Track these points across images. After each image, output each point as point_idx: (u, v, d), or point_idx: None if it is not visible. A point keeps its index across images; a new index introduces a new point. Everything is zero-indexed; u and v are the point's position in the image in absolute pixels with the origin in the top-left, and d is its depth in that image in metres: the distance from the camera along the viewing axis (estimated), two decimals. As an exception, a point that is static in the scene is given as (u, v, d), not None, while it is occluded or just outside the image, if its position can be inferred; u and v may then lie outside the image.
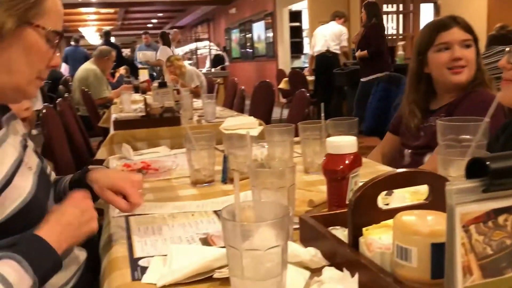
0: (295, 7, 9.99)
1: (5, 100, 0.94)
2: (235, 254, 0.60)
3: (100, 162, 2.19)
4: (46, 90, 8.55)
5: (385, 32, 5.96)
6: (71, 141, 2.64)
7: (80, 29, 17.36)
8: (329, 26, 6.72)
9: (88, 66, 4.97)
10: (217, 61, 10.06)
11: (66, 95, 4.45)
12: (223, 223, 0.61)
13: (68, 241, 0.84)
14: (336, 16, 6.72)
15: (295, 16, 10.10)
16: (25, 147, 0.96)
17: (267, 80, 3.88)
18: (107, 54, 5.08)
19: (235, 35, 13.47)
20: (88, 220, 0.88)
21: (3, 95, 0.89)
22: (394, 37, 8.51)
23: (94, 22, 17.48)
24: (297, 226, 0.89)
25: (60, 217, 0.85)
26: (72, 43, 9.45)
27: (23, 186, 0.85)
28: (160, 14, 17.35)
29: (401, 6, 8.62)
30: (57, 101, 3.01)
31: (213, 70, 9.32)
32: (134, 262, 0.83)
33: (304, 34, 10.36)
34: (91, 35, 18.33)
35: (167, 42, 7.79)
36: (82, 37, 20.09)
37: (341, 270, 0.68)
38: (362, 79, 5.34)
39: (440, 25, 1.57)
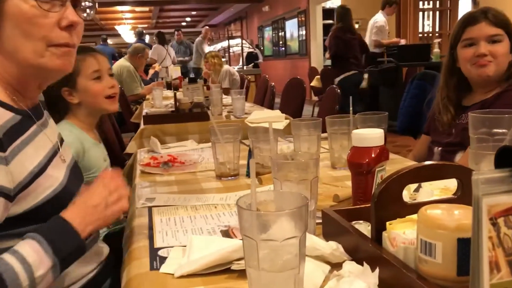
0: (329, 4, 9.88)
1: (41, 80, 0.89)
2: (251, 244, 0.58)
3: (130, 155, 2.21)
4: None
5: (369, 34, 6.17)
6: (103, 135, 2.68)
7: (116, 27, 17.72)
8: (374, 17, 6.49)
9: (122, 62, 5.05)
10: (250, 58, 10.06)
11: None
12: (239, 212, 0.59)
13: (94, 223, 0.82)
14: (386, 3, 6.34)
15: (329, 13, 9.98)
16: (62, 140, 0.97)
17: (298, 77, 3.85)
18: (141, 51, 5.16)
19: (268, 33, 13.45)
20: (116, 200, 0.86)
21: (33, 75, 0.86)
22: (430, 34, 8.30)
23: (129, 21, 17.79)
24: (320, 221, 0.87)
25: (87, 199, 0.84)
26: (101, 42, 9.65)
27: (56, 176, 0.85)
28: (194, 13, 17.51)
29: (437, 2, 8.39)
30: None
31: (245, 68, 9.33)
32: (153, 252, 0.83)
33: (337, 31, 10.22)
34: (126, 33, 18.67)
35: (162, 41, 7.92)
36: (112, 35, 20.50)
37: (362, 265, 0.65)
38: (335, 80, 5.53)
39: (468, 20, 1.51)
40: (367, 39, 6.38)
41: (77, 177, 0.99)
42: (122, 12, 15.76)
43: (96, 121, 1.61)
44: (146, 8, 15.51)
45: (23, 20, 0.80)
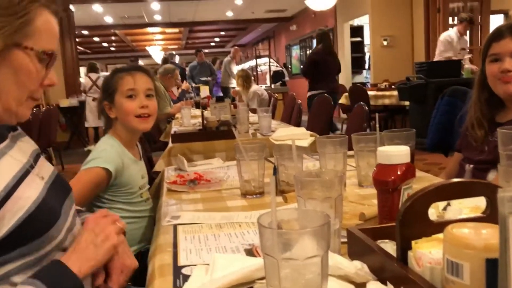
0: (356, 22, 9.88)
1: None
2: (272, 263, 0.58)
3: (158, 174, 2.24)
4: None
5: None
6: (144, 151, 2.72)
7: (147, 48, 18.15)
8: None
9: (152, 82, 5.16)
10: (277, 76, 10.12)
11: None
12: (260, 230, 0.59)
13: (89, 264, 0.85)
14: (459, 21, 6.34)
15: (357, 31, 9.99)
16: (38, 156, 0.95)
17: (326, 94, 3.84)
18: (171, 72, 5.27)
19: (295, 51, 13.52)
20: (104, 240, 0.89)
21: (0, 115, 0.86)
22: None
23: (159, 42, 18.20)
24: (345, 240, 0.85)
25: (76, 246, 0.87)
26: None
27: (27, 196, 0.82)
28: (223, 33, 17.78)
29: (468, 18, 8.27)
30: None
31: (272, 86, 9.38)
32: (177, 270, 0.83)
33: (366, 49, 10.20)
34: (157, 54, 19.09)
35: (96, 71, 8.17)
36: (142, 56, 20.97)
37: (387, 285, 0.64)
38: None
39: (494, 35, 1.49)
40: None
41: (59, 190, 0.96)
42: (153, 33, 16.16)
43: (135, 138, 1.63)
44: (176, 30, 15.86)
45: (24, 73, 0.84)
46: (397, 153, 0.87)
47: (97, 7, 10.24)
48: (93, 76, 8.03)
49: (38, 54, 0.84)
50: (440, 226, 0.66)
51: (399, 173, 0.87)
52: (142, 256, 1.49)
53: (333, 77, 6.13)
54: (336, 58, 6.17)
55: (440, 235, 0.64)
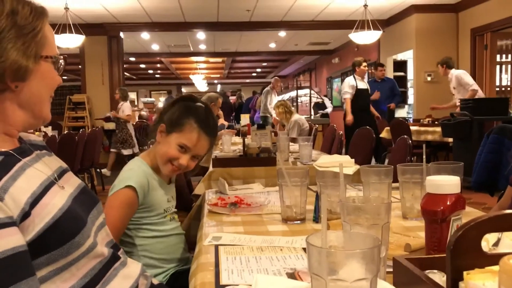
0: (400, 56, 9.83)
1: (25, 129, 0.97)
2: (320, 283, 0.57)
3: (197, 197, 2.26)
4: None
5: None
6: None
7: (190, 76, 18.60)
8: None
9: (196, 110, 5.27)
10: (318, 107, 10.12)
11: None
12: (308, 250, 0.59)
13: None
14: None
15: (400, 65, 9.91)
16: (63, 172, 1.00)
17: (367, 127, 3.80)
18: (214, 100, 5.38)
19: (337, 84, 13.52)
20: None
21: (28, 124, 0.94)
22: (508, 88, 7.97)
23: (203, 71, 18.63)
24: (391, 270, 0.83)
25: None
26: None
27: (54, 203, 0.86)
28: (265, 64, 18.04)
29: (516, 55, 8.09)
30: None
31: (312, 117, 9.39)
32: (219, 289, 0.83)
33: (409, 84, 10.09)
34: (199, 82, 19.53)
35: (124, 98, 7.93)
36: (186, 84, 21.46)
37: (437, 316, 0.61)
38: None
39: None
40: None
41: (86, 200, 1.00)
42: (196, 62, 16.58)
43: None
44: (219, 59, 16.21)
45: (49, 79, 0.94)
46: (447, 182, 0.85)
47: (145, 35, 10.63)
48: (126, 106, 7.80)
49: (53, 60, 0.93)
50: (493, 258, 0.64)
51: (448, 203, 0.85)
52: (178, 276, 1.50)
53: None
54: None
55: (494, 267, 0.62)
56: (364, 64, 6.65)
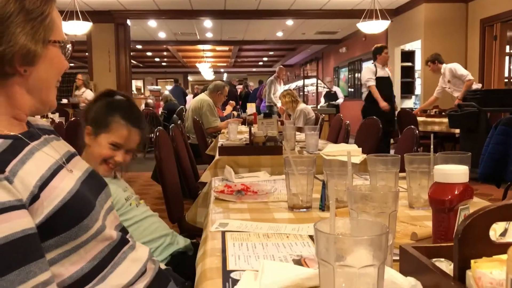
0: (408, 46, 9.75)
1: (32, 115, 0.97)
2: (327, 270, 0.58)
3: (204, 185, 2.27)
4: (162, 120, 9.24)
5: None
6: (180, 165, 2.77)
7: (197, 64, 18.58)
8: None
9: (202, 97, 5.27)
10: (329, 97, 10.07)
11: (178, 122, 4.74)
12: (316, 235, 0.59)
13: None
14: None
15: (408, 56, 9.84)
16: (71, 156, 1.01)
17: (374, 117, 3.79)
18: (220, 89, 5.37)
19: (344, 73, 13.46)
20: None
21: (34, 109, 0.94)
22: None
23: (209, 59, 18.60)
24: (397, 258, 0.83)
25: None
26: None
27: (62, 187, 0.87)
28: (271, 53, 17.97)
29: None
30: (170, 127, 3.21)
31: (319, 107, 9.36)
32: (226, 274, 0.84)
33: (416, 75, 10.03)
34: (206, 71, 19.50)
35: (87, 85, 8.01)
36: (192, 72, 21.46)
37: (444, 303, 0.62)
38: None
39: None
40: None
41: (94, 185, 1.00)
42: (203, 50, 16.54)
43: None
44: (226, 48, 16.17)
45: (56, 64, 0.94)
46: (455, 172, 0.85)
47: (152, 23, 10.60)
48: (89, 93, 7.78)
49: (61, 45, 0.93)
50: (501, 247, 0.64)
51: (456, 192, 0.84)
52: (179, 260, 1.52)
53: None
54: None
55: (502, 256, 0.62)
56: (386, 51, 6.33)
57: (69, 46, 0.96)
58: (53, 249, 0.82)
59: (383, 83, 6.31)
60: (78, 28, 7.36)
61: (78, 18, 7.20)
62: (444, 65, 6.42)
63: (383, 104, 6.15)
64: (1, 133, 0.84)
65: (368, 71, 6.31)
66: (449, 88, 6.42)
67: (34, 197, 0.80)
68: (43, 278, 0.75)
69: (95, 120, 1.50)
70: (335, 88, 10.37)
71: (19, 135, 0.88)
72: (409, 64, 9.88)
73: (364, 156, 1.37)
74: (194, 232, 2.04)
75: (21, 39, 0.84)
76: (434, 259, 0.74)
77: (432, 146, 1.30)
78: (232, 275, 0.83)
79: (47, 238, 0.81)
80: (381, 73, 6.33)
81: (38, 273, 0.75)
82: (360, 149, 1.40)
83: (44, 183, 0.83)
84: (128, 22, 9.33)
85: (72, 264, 0.85)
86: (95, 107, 1.53)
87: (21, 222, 0.75)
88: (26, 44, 0.85)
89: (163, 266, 1.18)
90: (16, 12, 0.84)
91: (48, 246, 0.81)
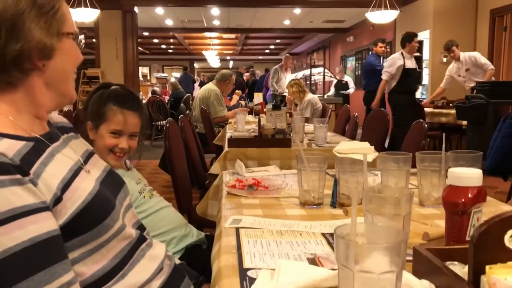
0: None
1: (53, 109, 0.98)
2: (347, 274, 0.59)
3: (214, 176, 2.29)
4: (168, 107, 9.25)
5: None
6: (188, 154, 2.80)
7: (203, 52, 18.53)
8: None
9: (210, 86, 5.27)
10: (340, 87, 10.02)
11: (187, 112, 4.76)
12: (336, 242, 0.61)
13: None
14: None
15: (416, 46, 9.76)
16: (89, 156, 1.03)
17: (382, 109, 3.79)
18: (228, 78, 5.37)
19: (351, 62, 13.40)
20: None
21: (55, 103, 0.95)
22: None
23: (216, 47, 18.54)
24: (410, 258, 0.85)
25: None
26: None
27: (83, 188, 0.89)
28: (278, 41, 17.89)
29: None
30: (180, 117, 3.22)
31: (325, 96, 9.34)
32: (243, 272, 0.86)
33: (424, 65, 9.97)
34: (212, 58, 19.45)
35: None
36: (198, 60, 21.40)
37: (459, 308, 0.63)
38: None
39: None
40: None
41: (112, 184, 1.02)
42: (210, 38, 16.48)
43: None
44: (233, 35, 16.10)
45: (71, 56, 0.95)
46: (470, 175, 0.86)
47: (159, 10, 10.57)
48: None
49: (74, 36, 0.94)
50: (516, 254, 0.65)
51: (470, 196, 0.86)
52: (192, 254, 1.55)
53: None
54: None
55: (517, 263, 0.63)
56: (416, 39, 5.93)
57: (81, 37, 0.97)
58: (76, 248, 0.85)
59: (411, 76, 5.95)
60: (86, 15, 7.36)
61: (86, 5, 7.20)
62: (462, 53, 6.28)
63: (376, 104, 6.08)
64: (23, 135, 0.86)
65: (393, 63, 5.89)
66: (463, 77, 6.30)
67: (57, 199, 0.82)
68: (67, 279, 0.78)
69: (92, 114, 1.54)
70: (346, 78, 10.29)
71: (40, 137, 0.90)
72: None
73: (376, 154, 1.38)
74: (204, 223, 2.07)
75: (36, 34, 0.86)
76: (447, 262, 0.76)
77: (443, 145, 1.31)
78: (249, 273, 0.85)
79: (70, 238, 0.84)
80: (409, 63, 5.93)
81: (62, 273, 0.77)
82: (373, 147, 1.41)
83: (66, 185, 0.85)
84: (136, 9, 9.30)
85: (94, 263, 0.87)
86: (91, 102, 1.56)
87: (46, 224, 0.77)
88: (42, 38, 0.86)
89: (177, 261, 1.21)
90: (29, 8, 0.85)
91: (71, 246, 0.84)
